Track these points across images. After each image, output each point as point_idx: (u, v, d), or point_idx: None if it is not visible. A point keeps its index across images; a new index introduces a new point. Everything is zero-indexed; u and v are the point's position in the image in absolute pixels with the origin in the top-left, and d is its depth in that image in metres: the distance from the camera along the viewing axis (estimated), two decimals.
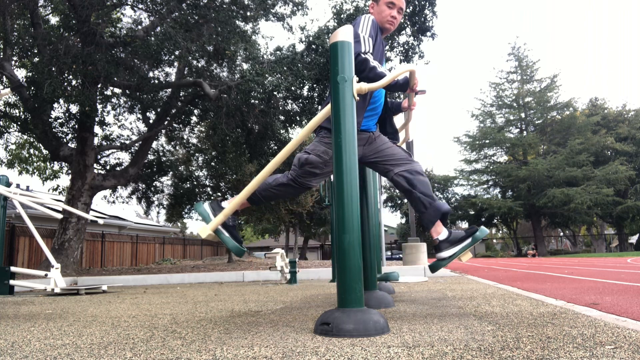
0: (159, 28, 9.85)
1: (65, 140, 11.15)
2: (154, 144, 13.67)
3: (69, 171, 11.39)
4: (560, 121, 38.81)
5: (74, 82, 9.32)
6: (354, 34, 2.18)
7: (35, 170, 14.27)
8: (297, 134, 14.93)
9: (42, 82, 8.29)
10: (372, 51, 2.35)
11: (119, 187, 12.89)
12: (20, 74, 11.05)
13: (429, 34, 11.31)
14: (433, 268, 2.35)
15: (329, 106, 2.09)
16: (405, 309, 2.60)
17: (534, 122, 40.35)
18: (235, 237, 2.41)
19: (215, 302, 3.50)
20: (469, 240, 2.32)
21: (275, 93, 10.30)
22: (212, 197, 16.99)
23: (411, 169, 2.42)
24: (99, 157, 12.17)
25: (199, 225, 2.55)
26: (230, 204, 2.37)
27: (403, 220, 45.10)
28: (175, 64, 11.35)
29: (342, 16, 10.91)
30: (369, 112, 2.54)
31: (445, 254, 2.34)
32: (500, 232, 52.09)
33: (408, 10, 10.92)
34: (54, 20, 10.97)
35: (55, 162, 13.15)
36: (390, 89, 2.50)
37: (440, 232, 2.35)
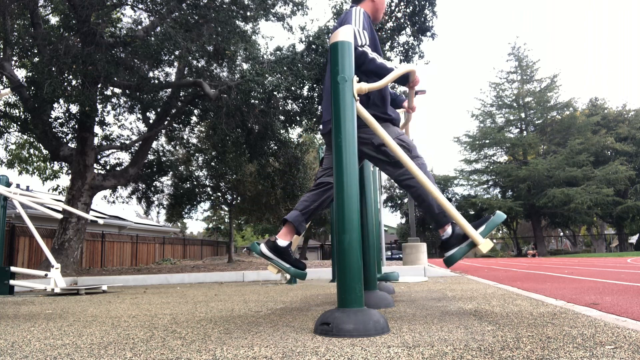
0: (159, 28, 9.85)
1: (65, 140, 11.14)
2: (154, 144, 13.68)
3: (69, 171, 11.39)
4: (560, 121, 38.81)
5: (74, 82, 9.31)
6: None
7: (35, 170, 14.28)
8: (296, 134, 14.81)
9: (42, 82, 8.29)
10: (368, 43, 2.38)
11: (119, 187, 12.89)
12: (20, 74, 11.07)
13: (429, 34, 11.31)
14: (448, 262, 2.22)
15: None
16: (405, 309, 2.60)
17: (534, 122, 40.34)
18: None
19: (215, 302, 3.49)
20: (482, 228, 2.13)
21: (275, 93, 10.30)
22: (212, 197, 16.99)
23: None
24: (99, 157, 12.17)
25: (485, 243, 2.05)
26: (457, 217, 2.10)
27: (403, 220, 45.10)
28: (175, 64, 11.35)
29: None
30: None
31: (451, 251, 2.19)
32: (500, 232, 52.09)
33: (408, 10, 10.92)
34: (54, 20, 10.98)
35: (55, 162, 13.16)
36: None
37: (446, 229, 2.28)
